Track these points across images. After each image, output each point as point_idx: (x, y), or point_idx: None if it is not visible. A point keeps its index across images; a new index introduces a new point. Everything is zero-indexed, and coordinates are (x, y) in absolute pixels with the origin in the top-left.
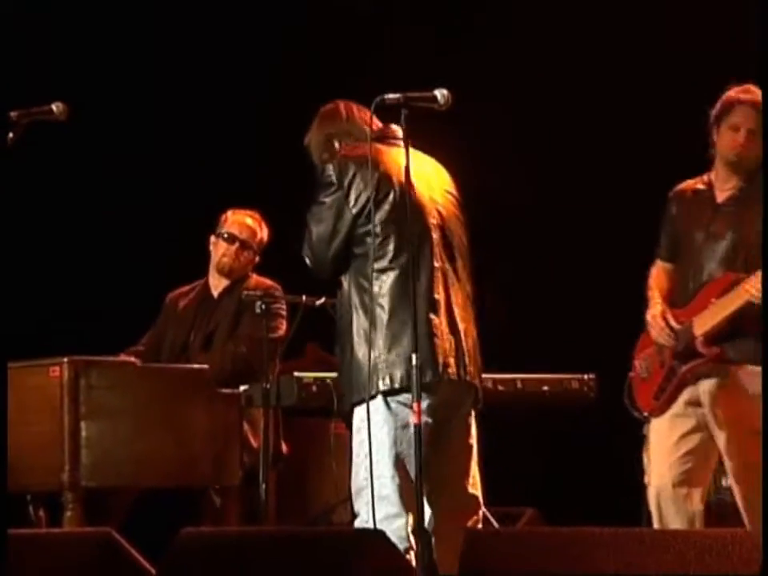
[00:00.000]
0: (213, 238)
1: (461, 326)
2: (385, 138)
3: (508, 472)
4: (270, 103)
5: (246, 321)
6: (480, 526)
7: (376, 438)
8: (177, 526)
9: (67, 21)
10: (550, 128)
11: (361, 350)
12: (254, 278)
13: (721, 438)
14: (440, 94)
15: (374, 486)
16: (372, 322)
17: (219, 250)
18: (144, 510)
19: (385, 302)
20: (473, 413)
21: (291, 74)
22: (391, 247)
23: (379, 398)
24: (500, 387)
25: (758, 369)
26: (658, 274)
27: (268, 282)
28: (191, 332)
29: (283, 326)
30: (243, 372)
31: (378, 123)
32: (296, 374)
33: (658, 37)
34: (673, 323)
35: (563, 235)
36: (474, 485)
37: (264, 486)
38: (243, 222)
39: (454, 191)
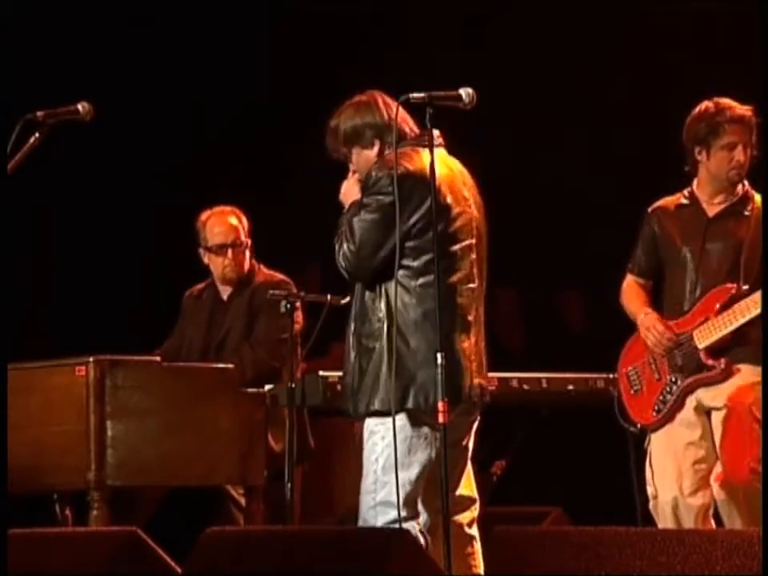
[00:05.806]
0: (202, 251)
1: (481, 346)
2: (425, 143)
3: (533, 472)
4: (295, 103)
5: (262, 323)
6: (475, 525)
7: (390, 444)
8: (202, 526)
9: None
10: (582, 126)
11: (390, 363)
12: (262, 273)
13: (718, 417)
14: (465, 92)
15: (385, 491)
16: (407, 338)
17: (217, 265)
18: (169, 509)
19: (424, 318)
20: (476, 419)
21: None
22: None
23: (402, 413)
24: (525, 386)
25: (758, 369)
26: (634, 289)
27: (278, 276)
28: (207, 338)
29: (301, 318)
30: (266, 377)
31: (415, 129)
32: (321, 373)
33: (679, 30)
34: (670, 333)
35: (587, 234)
36: (468, 485)
37: (289, 485)
38: (224, 225)
39: (479, 200)
